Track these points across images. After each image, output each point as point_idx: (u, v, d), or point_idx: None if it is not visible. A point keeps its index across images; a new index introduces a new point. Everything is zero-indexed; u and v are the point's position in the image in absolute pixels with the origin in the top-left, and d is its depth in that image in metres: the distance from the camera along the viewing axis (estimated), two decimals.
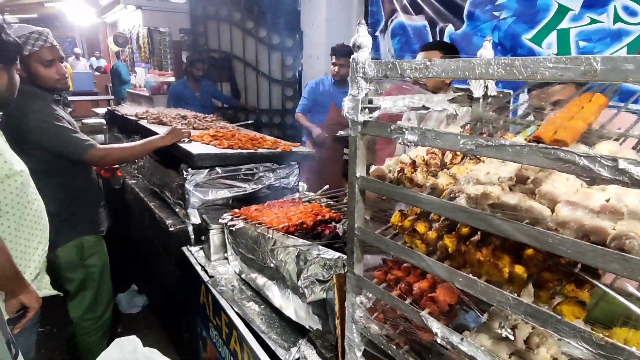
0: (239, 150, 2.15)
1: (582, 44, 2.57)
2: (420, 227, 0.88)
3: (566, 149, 0.58)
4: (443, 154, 1.00)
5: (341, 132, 3.17)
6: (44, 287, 1.54)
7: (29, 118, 1.73)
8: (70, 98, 7.64)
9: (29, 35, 1.74)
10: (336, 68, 3.20)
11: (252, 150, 2.18)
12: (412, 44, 3.67)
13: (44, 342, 2.54)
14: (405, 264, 1.01)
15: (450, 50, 2.06)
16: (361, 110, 0.87)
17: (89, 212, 2.01)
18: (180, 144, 2.14)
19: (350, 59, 0.86)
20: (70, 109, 2.07)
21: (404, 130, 0.79)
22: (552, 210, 0.70)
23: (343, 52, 3.11)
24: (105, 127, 3.85)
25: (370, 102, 0.87)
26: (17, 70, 1.50)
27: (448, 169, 0.95)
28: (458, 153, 1.00)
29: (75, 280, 2.01)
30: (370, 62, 0.83)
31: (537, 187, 0.74)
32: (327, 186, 2.35)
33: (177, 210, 2.14)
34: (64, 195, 1.86)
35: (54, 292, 1.57)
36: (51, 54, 1.78)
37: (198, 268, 1.82)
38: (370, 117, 0.87)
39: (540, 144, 0.61)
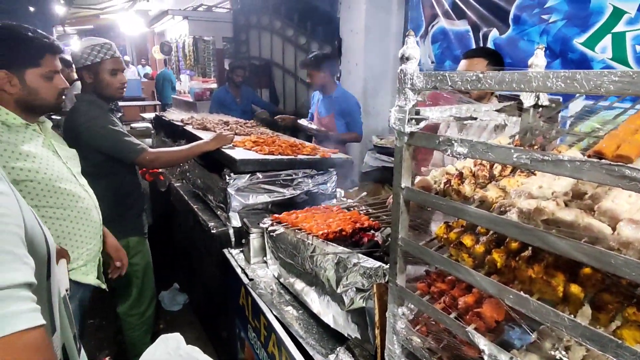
0: (279, 156, 2.19)
1: (639, 48, 2.41)
2: (467, 240, 0.86)
3: (632, 166, 0.55)
4: (492, 166, 0.97)
5: (303, 121, 3.33)
6: (91, 277, 1.64)
7: (88, 125, 1.87)
8: (120, 103, 8.10)
9: (94, 47, 1.89)
10: (308, 79, 3.37)
11: (292, 157, 2.22)
12: (453, 50, 3.60)
13: (94, 333, 2.70)
14: (449, 277, 0.99)
15: (494, 57, 1.98)
16: (408, 121, 0.86)
17: (134, 214, 2.13)
18: (224, 149, 2.22)
19: (398, 70, 0.86)
20: (120, 114, 2.21)
21: (453, 142, 0.78)
22: (613, 229, 0.66)
23: (303, 64, 3.29)
24: (152, 131, 4.05)
25: (418, 113, 0.86)
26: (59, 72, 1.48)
27: (497, 181, 0.93)
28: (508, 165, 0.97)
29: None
30: (418, 74, 0.83)
31: (596, 204, 0.71)
32: (364, 193, 2.34)
33: (218, 213, 2.21)
34: (112, 197, 1.98)
35: (98, 283, 1.67)
36: (115, 64, 1.93)
37: (238, 270, 1.87)
38: (418, 128, 0.87)
39: (603, 160, 0.58)
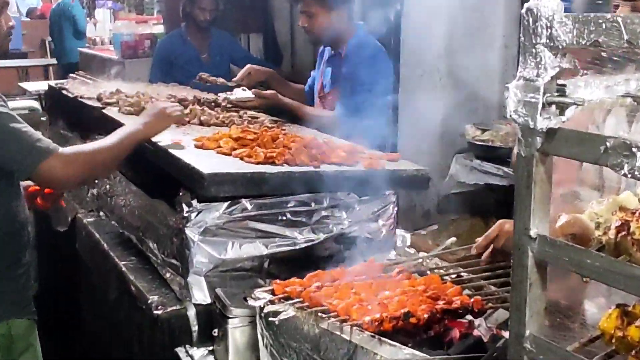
0: (285, 168, 2.22)
1: None
2: None
3: None
4: None
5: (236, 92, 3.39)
6: None
7: None
8: None
9: None
10: (300, 21, 3.48)
11: (310, 168, 2.24)
12: None
13: None
14: None
15: None
16: (543, 107, 0.87)
17: (17, 276, 2.18)
18: (179, 155, 2.26)
19: (523, 11, 0.87)
20: None
21: (634, 150, 0.78)
22: None
23: None
24: (43, 117, 4.16)
25: (562, 91, 0.87)
26: None
27: None
28: None
29: None
30: (563, 18, 0.84)
31: None
32: (452, 239, 2.33)
33: (168, 276, 2.24)
34: None
35: None
36: None
37: None
38: (561, 122, 0.87)
39: None
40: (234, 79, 3.75)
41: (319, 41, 3.54)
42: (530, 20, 0.87)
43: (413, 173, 2.38)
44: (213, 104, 3.42)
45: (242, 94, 3.48)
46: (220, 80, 3.71)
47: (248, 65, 3.81)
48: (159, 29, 6.32)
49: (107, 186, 2.90)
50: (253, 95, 3.42)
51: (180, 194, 2.13)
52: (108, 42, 7.35)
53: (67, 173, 2.09)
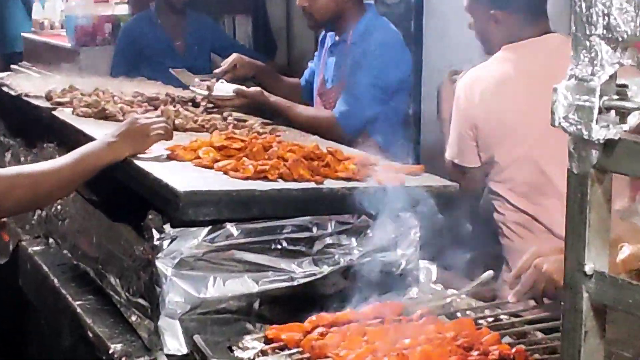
0: (280, 185, 2.23)
1: None
2: None
3: None
4: None
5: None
6: None
7: None
8: None
9: None
10: (298, 0, 3.54)
11: (311, 185, 2.26)
12: None
13: None
14: None
15: None
16: (600, 113, 0.88)
17: None
18: (146, 167, 2.27)
19: None
20: None
21: None
22: None
23: None
24: None
25: (624, 94, 0.87)
26: None
27: None
28: None
29: None
30: (624, 3, 0.84)
31: None
32: (489, 272, 2.33)
33: (133, 319, 2.24)
34: None
35: None
36: None
37: None
38: (624, 130, 0.88)
39: None
40: (216, 70, 3.76)
41: (320, 25, 3.54)
42: (584, 5, 0.87)
43: (440, 190, 2.38)
44: (190, 103, 3.43)
45: (221, 88, 3.47)
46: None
47: (235, 55, 3.81)
48: (123, 9, 6.32)
49: (58, 206, 2.90)
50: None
51: (149, 216, 2.13)
52: (59, 25, 7.34)
53: (4, 199, 2.09)
